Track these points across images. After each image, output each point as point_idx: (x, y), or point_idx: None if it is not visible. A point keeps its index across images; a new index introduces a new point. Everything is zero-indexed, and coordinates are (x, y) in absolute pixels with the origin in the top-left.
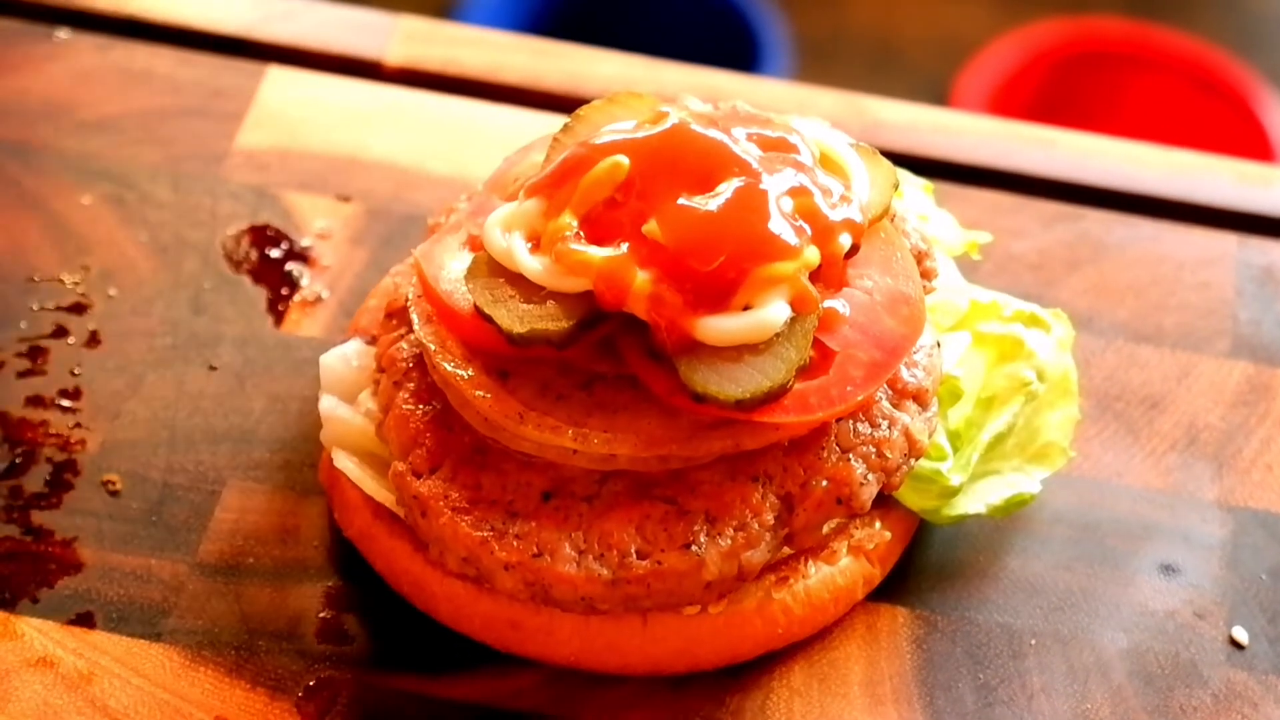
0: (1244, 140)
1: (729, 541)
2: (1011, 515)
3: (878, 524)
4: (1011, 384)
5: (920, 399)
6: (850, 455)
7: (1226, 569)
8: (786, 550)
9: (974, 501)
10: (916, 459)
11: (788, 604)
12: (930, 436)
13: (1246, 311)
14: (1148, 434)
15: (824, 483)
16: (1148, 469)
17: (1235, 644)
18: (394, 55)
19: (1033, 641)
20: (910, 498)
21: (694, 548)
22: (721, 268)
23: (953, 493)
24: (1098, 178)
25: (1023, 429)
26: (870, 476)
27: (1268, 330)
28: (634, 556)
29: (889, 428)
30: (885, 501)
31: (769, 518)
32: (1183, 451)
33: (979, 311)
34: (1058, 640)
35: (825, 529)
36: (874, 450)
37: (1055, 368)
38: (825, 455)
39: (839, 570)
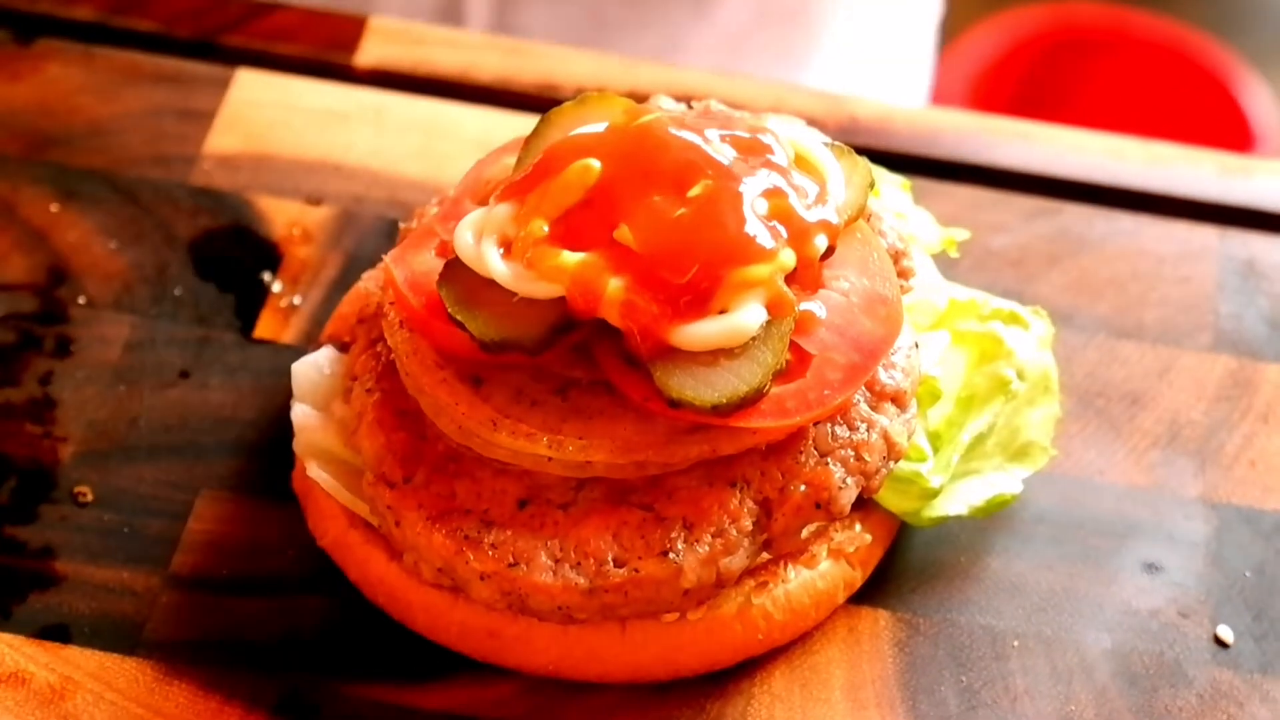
0: (1224, 124)
1: (707, 548)
2: (993, 515)
3: (858, 526)
4: (991, 383)
5: (899, 401)
6: (828, 459)
7: (1210, 566)
8: (765, 555)
9: (955, 502)
10: (896, 461)
11: (768, 609)
12: (909, 439)
13: (1228, 305)
14: (1129, 431)
15: (802, 487)
16: (1130, 466)
17: (1220, 642)
18: (365, 56)
19: (1016, 643)
20: (890, 500)
21: (672, 555)
22: (695, 276)
23: (933, 494)
24: (1077, 171)
25: (1003, 428)
26: (849, 480)
27: (1250, 324)
28: (611, 564)
29: (867, 430)
30: (865, 504)
31: (747, 523)
32: (1165, 448)
33: (957, 310)
34: (1041, 641)
35: (804, 533)
36: (852, 453)
37: (1035, 366)
38: (803, 459)
39: (819, 574)
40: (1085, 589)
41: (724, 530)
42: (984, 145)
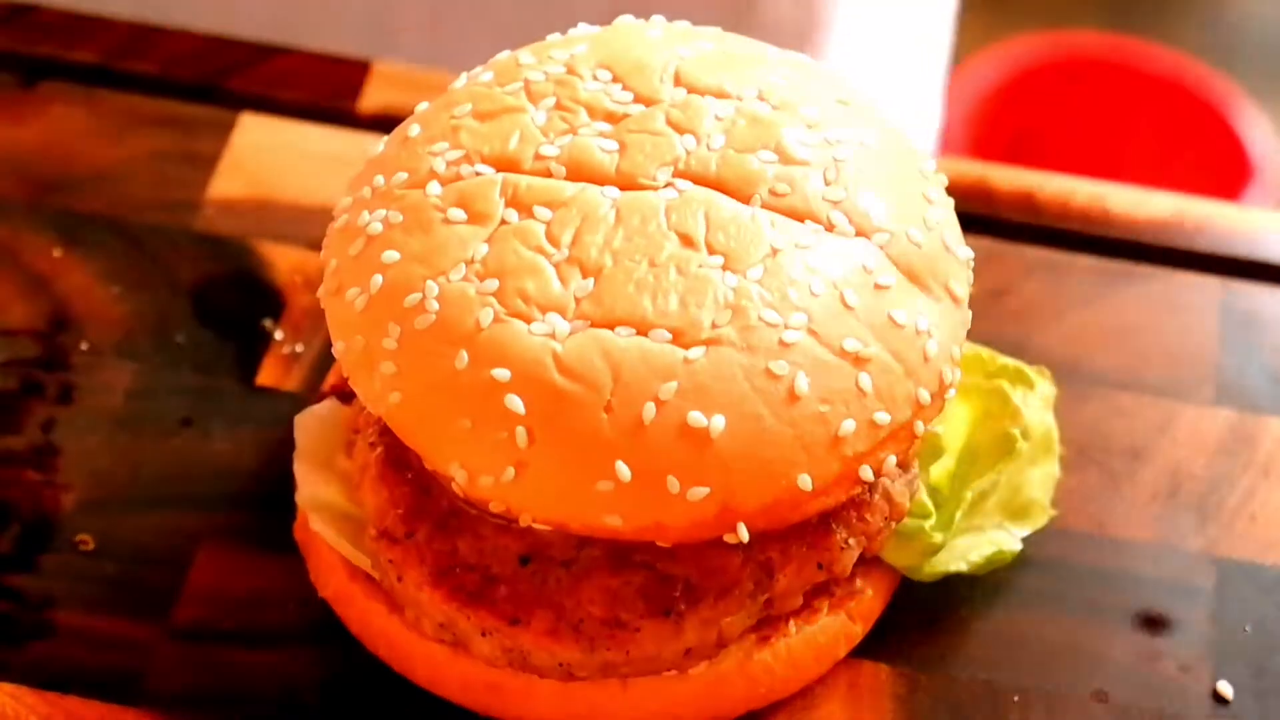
0: (1222, 154)
1: (708, 608)
2: (993, 569)
3: (859, 581)
4: (996, 442)
5: (901, 461)
6: (830, 520)
7: (1211, 621)
8: (766, 613)
9: (955, 558)
10: (897, 521)
11: (769, 663)
12: (911, 499)
13: (1230, 358)
14: (1130, 484)
15: (804, 548)
16: (1130, 520)
17: (1220, 698)
18: (369, 101)
19: (1016, 698)
20: (892, 554)
21: (672, 615)
22: None
23: (935, 550)
24: (1080, 223)
25: (1004, 486)
26: (851, 541)
27: (1251, 377)
28: (612, 623)
29: (869, 491)
30: (867, 559)
31: (749, 584)
32: (1165, 502)
33: (961, 364)
34: (1041, 696)
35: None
36: (854, 514)
37: (1038, 425)
38: (805, 520)
39: (820, 628)
40: (1085, 644)
41: (725, 590)
42: (986, 196)
